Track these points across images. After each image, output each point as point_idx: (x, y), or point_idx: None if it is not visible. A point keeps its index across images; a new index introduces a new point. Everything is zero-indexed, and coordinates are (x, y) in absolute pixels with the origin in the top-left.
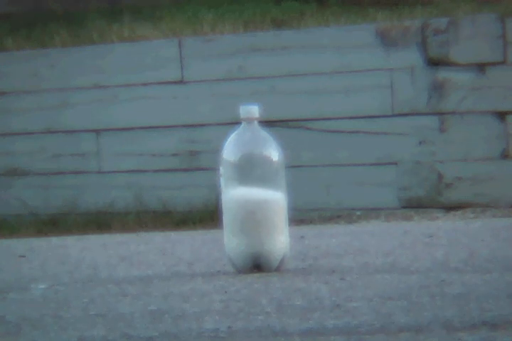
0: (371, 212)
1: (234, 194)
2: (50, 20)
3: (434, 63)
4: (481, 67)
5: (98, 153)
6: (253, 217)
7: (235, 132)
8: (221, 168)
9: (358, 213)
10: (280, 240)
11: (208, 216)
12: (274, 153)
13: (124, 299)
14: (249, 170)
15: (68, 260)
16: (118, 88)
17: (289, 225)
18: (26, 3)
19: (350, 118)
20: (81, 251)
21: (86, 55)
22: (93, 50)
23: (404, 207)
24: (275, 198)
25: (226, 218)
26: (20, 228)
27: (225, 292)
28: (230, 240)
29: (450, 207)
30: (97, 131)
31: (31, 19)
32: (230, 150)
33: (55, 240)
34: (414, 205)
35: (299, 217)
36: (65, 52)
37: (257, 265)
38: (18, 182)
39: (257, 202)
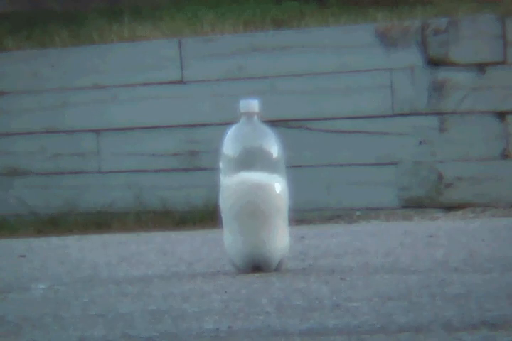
0: (371, 212)
1: (233, 182)
2: (50, 20)
3: (434, 63)
4: (481, 67)
5: (98, 153)
6: (253, 210)
7: (235, 126)
8: (221, 163)
9: (358, 213)
10: (280, 239)
11: (208, 216)
12: (274, 147)
13: (124, 299)
14: (249, 164)
15: (68, 260)
16: (118, 88)
17: (289, 225)
18: (26, 3)
19: (350, 118)
20: (81, 251)
21: (86, 55)
22: (93, 50)
23: (404, 207)
24: (276, 192)
25: (225, 214)
26: (20, 228)
27: (225, 292)
28: (228, 239)
29: (450, 207)
30: (97, 131)
31: (31, 19)
32: (230, 144)
33: (55, 240)
34: (414, 205)
35: (299, 217)
36: (65, 52)
37: (256, 264)
38: (18, 182)
39: (257, 191)
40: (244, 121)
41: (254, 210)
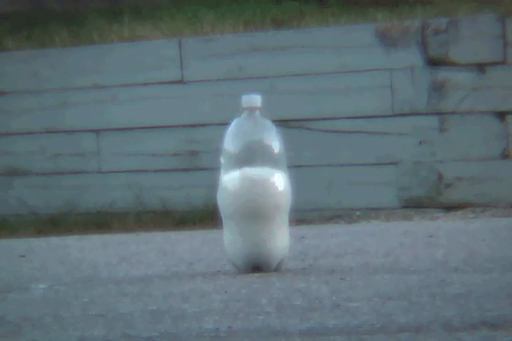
0: (371, 212)
1: (232, 178)
2: (50, 20)
3: (434, 63)
4: (481, 67)
5: (98, 153)
6: (252, 209)
7: (236, 121)
8: (221, 158)
9: (358, 213)
10: (280, 239)
11: (208, 216)
12: (275, 142)
13: (124, 299)
14: (251, 159)
15: (68, 260)
16: (118, 88)
17: (289, 225)
18: (26, 3)
19: (350, 118)
20: (81, 251)
21: (86, 55)
22: (93, 50)
23: (404, 207)
24: (277, 188)
25: (224, 212)
26: (20, 228)
27: (225, 292)
28: (228, 238)
29: (450, 207)
30: (97, 131)
31: (31, 19)
32: (231, 139)
33: (55, 240)
34: (414, 205)
35: (299, 217)
36: (65, 52)
37: (256, 264)
38: (18, 182)
39: (256, 189)
40: (245, 115)
41: (254, 209)
